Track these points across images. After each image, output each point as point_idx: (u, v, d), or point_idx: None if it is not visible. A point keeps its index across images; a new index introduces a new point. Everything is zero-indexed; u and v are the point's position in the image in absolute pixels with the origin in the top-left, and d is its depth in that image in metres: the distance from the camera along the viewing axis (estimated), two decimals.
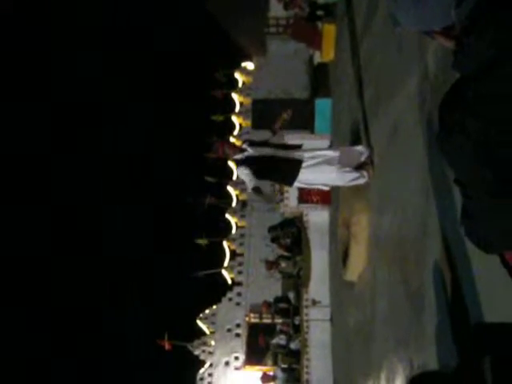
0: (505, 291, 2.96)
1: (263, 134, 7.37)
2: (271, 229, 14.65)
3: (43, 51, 34.14)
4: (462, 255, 3.81)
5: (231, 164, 19.28)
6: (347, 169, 7.22)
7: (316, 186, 7.89)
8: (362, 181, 7.29)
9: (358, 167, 7.31)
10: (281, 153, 7.07)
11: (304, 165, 7.02)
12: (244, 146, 7.18)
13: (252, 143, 7.19)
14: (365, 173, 7.24)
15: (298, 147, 7.23)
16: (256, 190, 7.06)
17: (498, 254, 2.01)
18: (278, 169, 7.10)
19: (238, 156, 7.17)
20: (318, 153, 7.15)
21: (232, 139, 20.54)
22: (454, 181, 1.79)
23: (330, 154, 7.15)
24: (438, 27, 1.80)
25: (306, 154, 7.09)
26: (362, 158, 7.27)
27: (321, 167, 7.12)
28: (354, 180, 7.32)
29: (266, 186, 12.35)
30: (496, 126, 1.55)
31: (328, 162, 7.09)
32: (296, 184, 7.33)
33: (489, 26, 1.51)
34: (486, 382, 2.15)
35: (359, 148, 7.40)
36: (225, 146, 7.41)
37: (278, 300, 15.84)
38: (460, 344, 3.68)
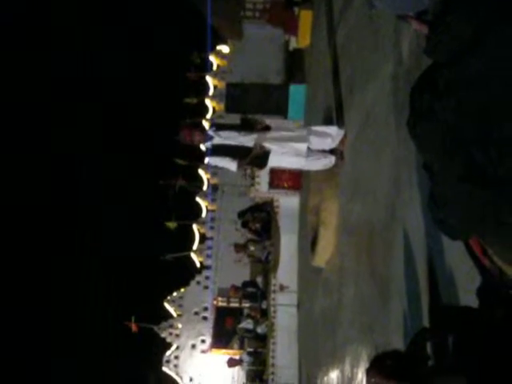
0: (469, 278, 2.99)
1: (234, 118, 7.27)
2: (241, 214, 14.65)
3: None
4: (430, 243, 3.84)
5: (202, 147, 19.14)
6: (315, 156, 7.23)
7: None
8: (329, 165, 7.35)
9: (329, 152, 7.33)
10: (248, 141, 7.00)
11: (271, 154, 7.03)
12: (210, 132, 7.09)
13: (219, 127, 7.11)
14: (333, 159, 7.26)
15: (267, 129, 7.19)
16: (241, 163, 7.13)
17: (463, 240, 2.02)
18: (247, 157, 7.10)
19: (206, 144, 7.16)
20: (288, 144, 7.09)
21: (204, 122, 20.39)
22: (422, 166, 1.78)
23: (299, 146, 7.09)
24: (412, 12, 1.79)
25: (274, 145, 7.05)
26: (334, 144, 7.25)
27: (289, 158, 7.14)
28: (323, 166, 7.38)
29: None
30: (466, 112, 1.54)
31: (297, 153, 7.09)
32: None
33: (464, 8, 1.50)
34: (448, 366, 2.18)
35: (332, 131, 7.32)
36: (192, 133, 7.20)
37: (246, 284, 15.89)
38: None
